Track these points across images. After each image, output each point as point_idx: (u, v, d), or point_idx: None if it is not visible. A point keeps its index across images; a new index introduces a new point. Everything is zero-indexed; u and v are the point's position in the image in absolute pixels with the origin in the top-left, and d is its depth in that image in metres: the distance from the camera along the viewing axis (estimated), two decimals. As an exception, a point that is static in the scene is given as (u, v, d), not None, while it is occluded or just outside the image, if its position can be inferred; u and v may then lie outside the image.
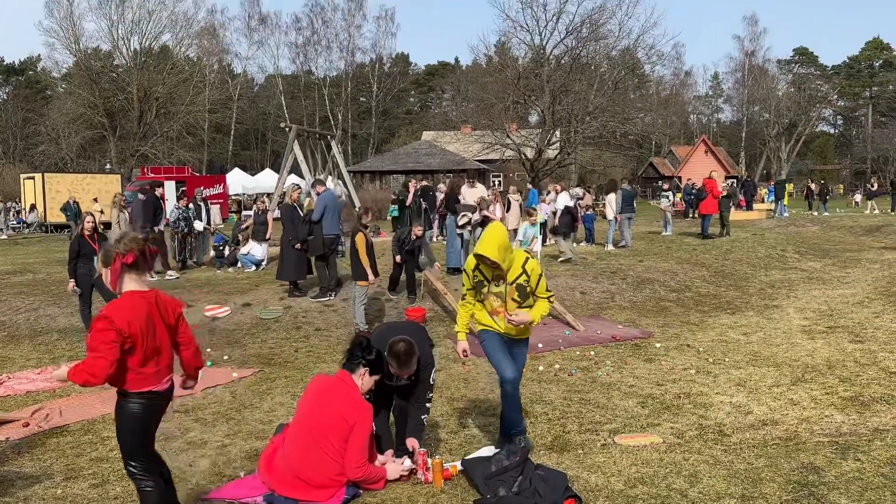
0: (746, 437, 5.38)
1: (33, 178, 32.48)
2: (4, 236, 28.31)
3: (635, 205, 17.21)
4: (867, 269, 14.60)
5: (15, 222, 32.58)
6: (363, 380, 4.39)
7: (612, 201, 17.02)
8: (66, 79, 59.33)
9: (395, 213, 20.88)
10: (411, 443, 4.81)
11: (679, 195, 26.87)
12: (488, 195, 13.82)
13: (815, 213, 26.36)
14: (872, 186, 31.83)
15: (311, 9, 68.53)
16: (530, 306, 5.08)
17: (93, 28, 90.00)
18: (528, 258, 5.14)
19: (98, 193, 30.64)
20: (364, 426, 4.17)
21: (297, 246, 11.15)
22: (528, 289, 5.02)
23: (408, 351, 4.63)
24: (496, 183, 42.80)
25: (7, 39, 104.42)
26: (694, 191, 26.60)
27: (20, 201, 34.24)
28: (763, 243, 17.08)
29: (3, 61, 73.11)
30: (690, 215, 25.71)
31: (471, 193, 14.19)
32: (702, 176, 26.22)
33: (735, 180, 41.82)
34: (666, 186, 23.22)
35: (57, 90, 61.60)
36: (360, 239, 9.61)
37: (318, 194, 11.85)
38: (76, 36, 53.69)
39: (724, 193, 18.76)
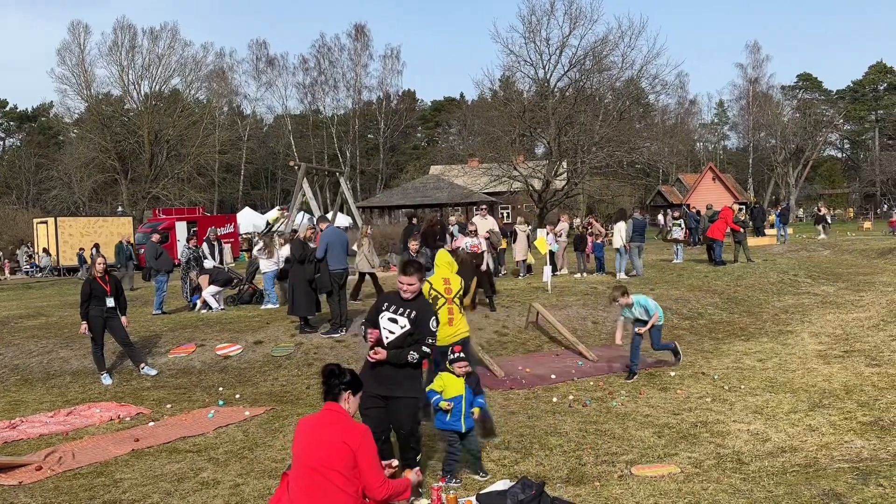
0: (765, 465, 5.29)
1: (46, 222, 32.88)
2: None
3: (645, 234, 17.18)
4: (881, 292, 14.45)
5: (28, 266, 32.80)
6: (349, 403, 4.31)
7: (620, 230, 16.98)
8: (77, 124, 60.22)
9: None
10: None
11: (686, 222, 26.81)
12: (472, 228, 13.27)
13: (778, 242, 25.60)
14: (820, 211, 30.93)
15: (318, 50, 69.51)
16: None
17: (104, 74, 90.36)
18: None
19: (110, 236, 30.93)
20: (368, 446, 4.08)
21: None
22: None
23: (412, 262, 5.29)
24: (503, 216, 42.84)
25: (20, 87, 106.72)
26: (698, 218, 26.56)
27: (33, 245, 34.55)
28: (775, 269, 16.98)
29: (17, 108, 74.57)
30: (695, 242, 25.60)
31: (482, 225, 14.14)
32: (712, 203, 26.19)
33: (744, 206, 41.67)
34: (676, 214, 23.07)
35: (69, 135, 62.49)
36: None
37: (321, 230, 11.85)
38: (88, 82, 54.74)
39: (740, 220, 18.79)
